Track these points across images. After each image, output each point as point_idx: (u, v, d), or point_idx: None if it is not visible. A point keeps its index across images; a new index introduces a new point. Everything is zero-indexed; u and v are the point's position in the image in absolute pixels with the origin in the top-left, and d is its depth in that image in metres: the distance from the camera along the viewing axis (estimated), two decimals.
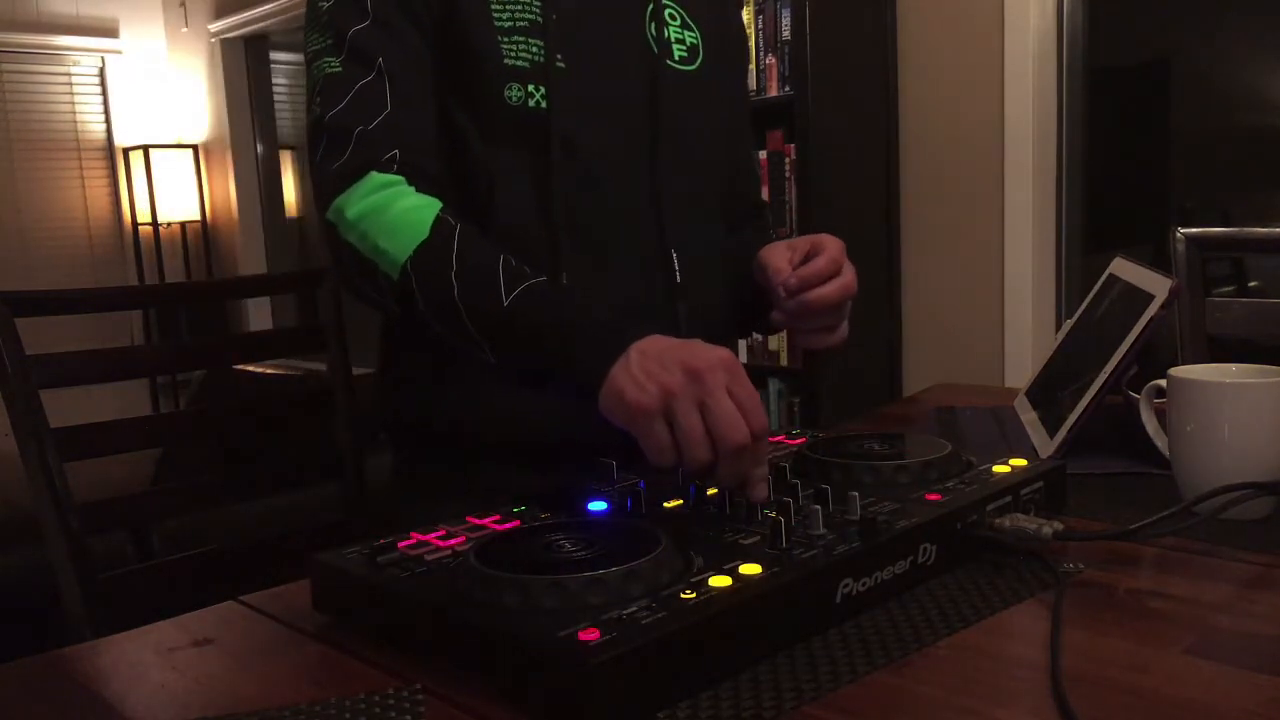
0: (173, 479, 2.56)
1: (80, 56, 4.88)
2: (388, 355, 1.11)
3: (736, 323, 1.18)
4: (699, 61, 1.11)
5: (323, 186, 0.96)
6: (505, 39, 0.99)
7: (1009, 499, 0.79)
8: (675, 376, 0.76)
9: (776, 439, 1.00)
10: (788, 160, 2.86)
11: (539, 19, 1.00)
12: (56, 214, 4.85)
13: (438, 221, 0.91)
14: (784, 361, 2.95)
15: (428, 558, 0.70)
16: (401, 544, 0.73)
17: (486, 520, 0.78)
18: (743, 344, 3.03)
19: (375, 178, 0.93)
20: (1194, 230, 1.38)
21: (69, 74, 4.87)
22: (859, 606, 0.67)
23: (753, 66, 2.90)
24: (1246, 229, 1.49)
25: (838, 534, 0.69)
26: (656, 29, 1.07)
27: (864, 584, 0.67)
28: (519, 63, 0.99)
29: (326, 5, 1.00)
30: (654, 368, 0.78)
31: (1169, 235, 1.39)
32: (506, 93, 0.98)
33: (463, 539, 0.73)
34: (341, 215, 0.93)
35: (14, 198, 4.71)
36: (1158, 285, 0.96)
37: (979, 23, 2.71)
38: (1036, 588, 0.71)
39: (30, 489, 1.11)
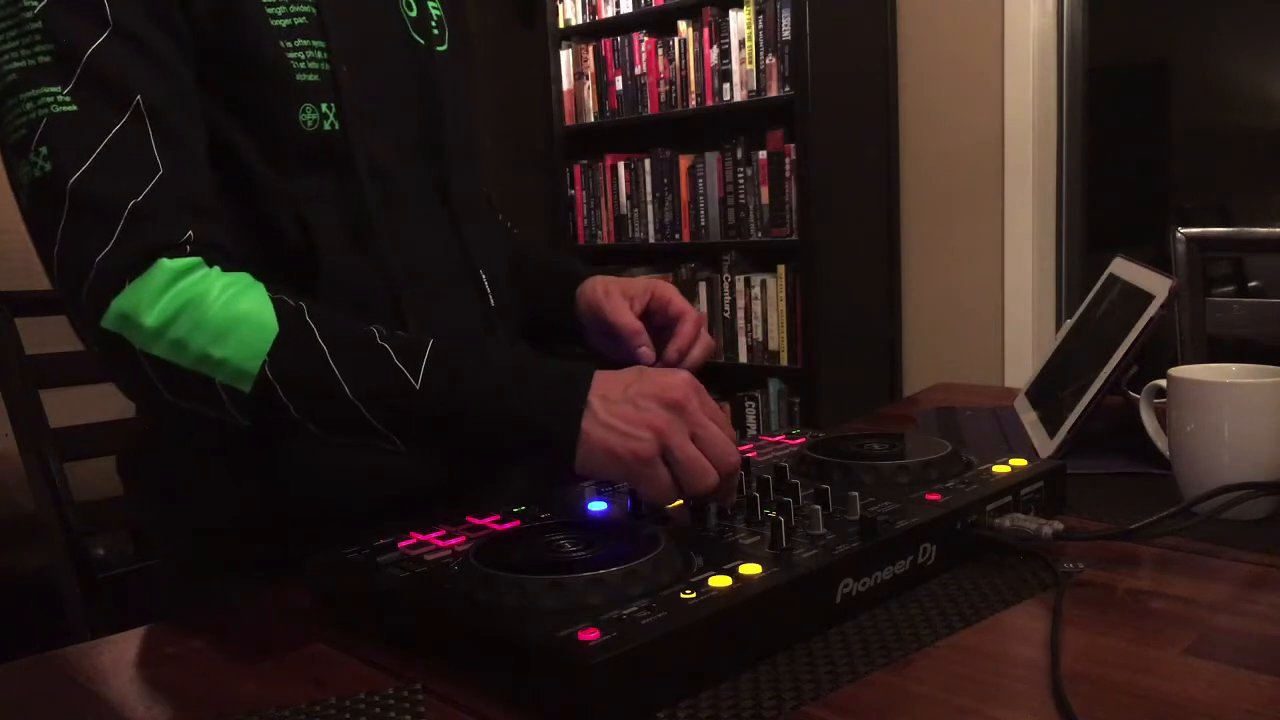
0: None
1: None
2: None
3: (532, 336, 1.06)
4: (449, 37, 0.97)
5: (88, 284, 0.72)
6: (289, 44, 0.81)
7: (1009, 499, 0.79)
8: (659, 415, 0.71)
9: (776, 439, 1.00)
10: (788, 160, 2.86)
11: (314, 9, 0.83)
12: None
13: (279, 307, 0.73)
14: (784, 361, 2.95)
15: (428, 558, 0.70)
16: (401, 544, 0.73)
17: (486, 520, 0.78)
18: (742, 343, 3.03)
19: (166, 266, 0.72)
20: (1194, 230, 1.38)
21: None
22: (859, 606, 0.67)
23: (752, 67, 2.90)
24: (1246, 229, 1.49)
25: (838, 534, 0.69)
26: (413, 6, 0.93)
27: (864, 584, 0.67)
28: (310, 76, 0.82)
29: (36, 5, 0.73)
30: (630, 412, 0.71)
31: (1169, 235, 1.39)
32: (301, 117, 0.82)
33: (463, 539, 0.73)
34: (134, 323, 0.72)
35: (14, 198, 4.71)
36: (1158, 285, 0.96)
37: (979, 23, 2.71)
38: (1036, 588, 0.71)
39: (30, 489, 1.11)
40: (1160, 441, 0.94)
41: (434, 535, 0.74)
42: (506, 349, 0.89)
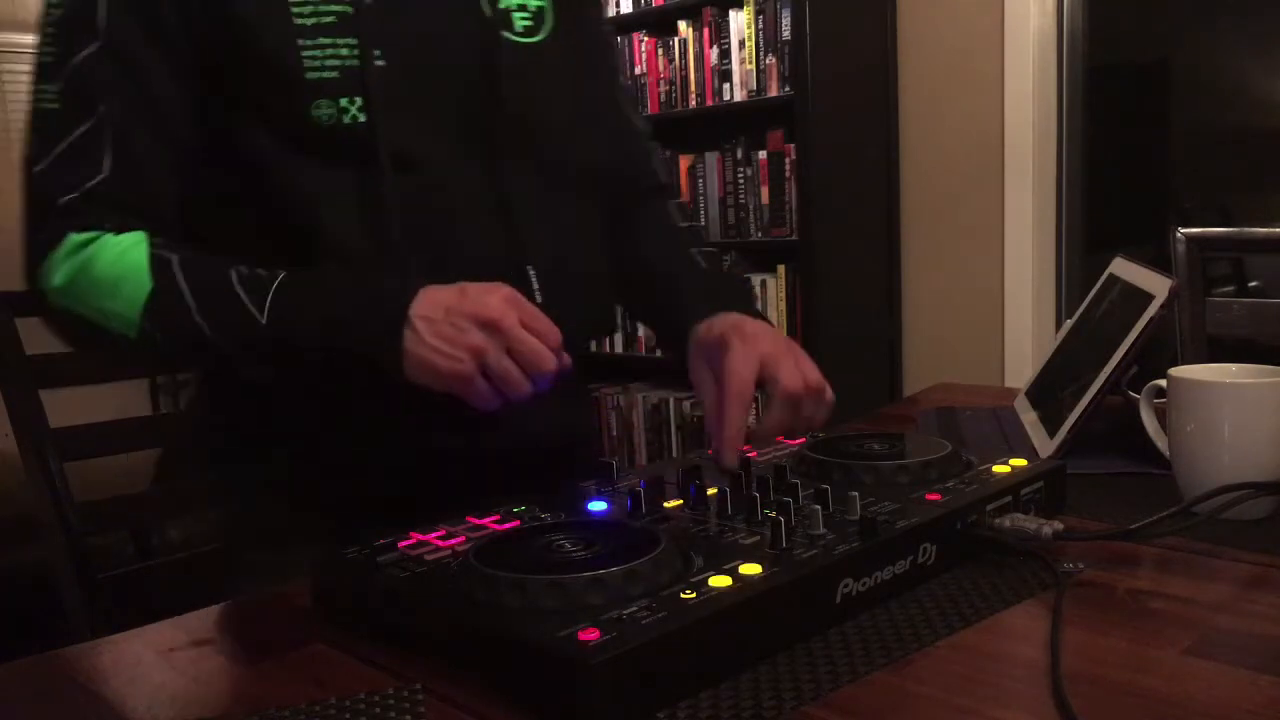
0: (173, 479, 2.56)
1: None
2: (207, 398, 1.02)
3: (594, 329, 1.08)
4: (547, 28, 0.97)
5: (25, 246, 0.87)
6: (308, 43, 0.84)
7: (1009, 499, 0.79)
8: (475, 335, 0.79)
9: (776, 439, 1.00)
10: (788, 160, 2.86)
11: (349, 8, 0.86)
12: None
13: (154, 261, 0.83)
14: None
15: (428, 558, 0.70)
16: (401, 544, 0.73)
17: (486, 520, 0.77)
18: None
19: (72, 238, 0.84)
20: (1194, 230, 1.38)
21: None
22: (859, 606, 0.67)
23: (752, 67, 2.90)
24: (1246, 229, 1.49)
25: (838, 534, 0.69)
26: None
27: (864, 584, 0.67)
28: (326, 74, 0.85)
29: (56, 14, 0.85)
30: (450, 332, 0.79)
31: (1169, 235, 1.39)
32: (314, 113, 0.85)
33: (463, 539, 0.73)
34: (46, 284, 0.85)
35: (14, 197, 4.71)
36: (1158, 285, 0.96)
37: (979, 23, 2.71)
38: (1036, 588, 0.71)
39: (30, 489, 1.11)
40: (1160, 441, 0.94)
41: (434, 535, 0.74)
42: (347, 274, 0.86)
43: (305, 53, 0.85)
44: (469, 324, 0.79)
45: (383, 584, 0.67)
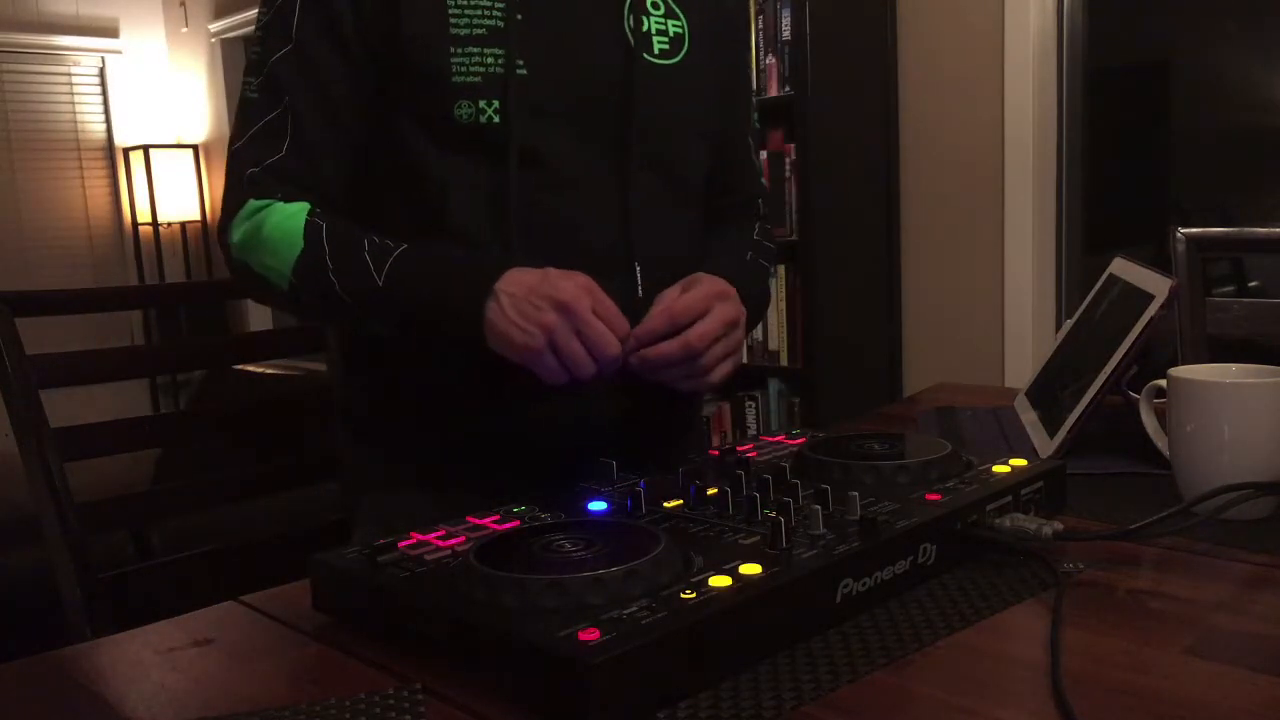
0: (173, 479, 2.56)
1: (80, 56, 4.87)
2: (349, 357, 1.15)
3: None
4: (683, 52, 1.07)
5: (221, 210, 1.03)
6: (458, 51, 0.96)
7: (1009, 499, 0.79)
8: (550, 315, 0.88)
9: (776, 439, 1.00)
10: (788, 160, 2.86)
11: (500, 23, 0.97)
12: (56, 214, 4.84)
13: (307, 226, 0.97)
14: (784, 362, 2.95)
15: (428, 558, 0.70)
16: (401, 544, 0.73)
17: (486, 520, 0.78)
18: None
19: (251, 204, 0.99)
20: (1194, 230, 1.38)
21: (69, 74, 4.87)
22: (859, 606, 0.67)
23: (752, 67, 2.90)
24: (1246, 229, 1.49)
25: (838, 534, 0.69)
26: (635, 21, 1.03)
27: (864, 584, 0.67)
28: (470, 78, 0.96)
29: (265, 19, 1.01)
30: (528, 309, 0.88)
31: (1169, 235, 1.39)
32: (456, 111, 0.96)
33: (463, 539, 0.73)
34: (228, 241, 1.01)
35: (14, 198, 4.71)
36: (1158, 285, 0.96)
37: (979, 23, 2.71)
38: (1036, 588, 0.71)
39: (30, 489, 1.11)
40: (1160, 441, 0.94)
41: (434, 535, 0.74)
42: (455, 251, 0.98)
43: (455, 59, 0.96)
44: (545, 304, 0.88)
45: (383, 584, 0.67)
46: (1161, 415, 0.91)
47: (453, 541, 0.73)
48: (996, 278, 2.76)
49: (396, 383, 1.07)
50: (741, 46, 1.23)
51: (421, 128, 0.99)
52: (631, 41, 1.02)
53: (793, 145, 2.82)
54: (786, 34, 2.80)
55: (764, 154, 2.93)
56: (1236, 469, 0.82)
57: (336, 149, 1.02)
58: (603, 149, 1.02)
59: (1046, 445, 1.03)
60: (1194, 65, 2.79)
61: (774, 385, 3.03)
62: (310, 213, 0.98)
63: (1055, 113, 2.71)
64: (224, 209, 1.03)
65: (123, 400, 3.65)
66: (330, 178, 1.02)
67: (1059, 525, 0.75)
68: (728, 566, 0.64)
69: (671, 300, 0.96)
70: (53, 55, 4.81)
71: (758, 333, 2.99)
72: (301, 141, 1.00)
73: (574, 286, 0.89)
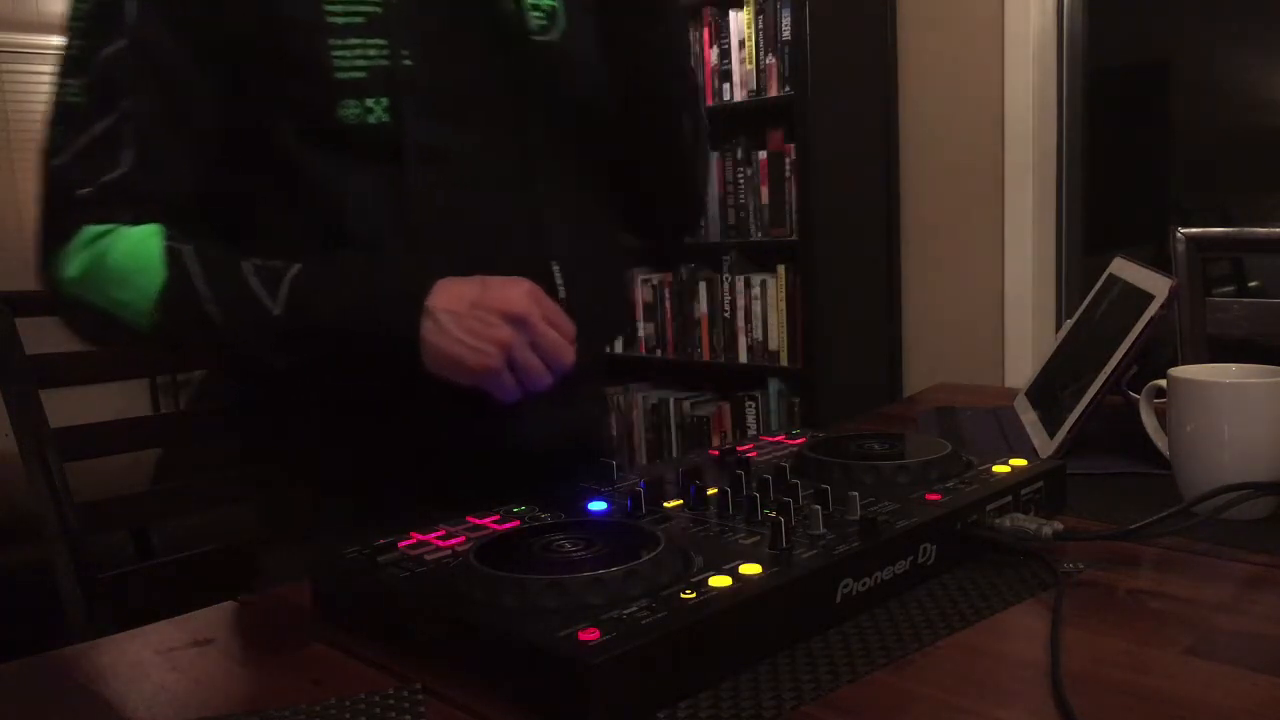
0: (173, 479, 2.56)
1: None
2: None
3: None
4: (561, 28, 0.98)
5: (39, 237, 0.88)
6: (338, 42, 0.86)
7: (1009, 499, 0.79)
8: (503, 329, 0.81)
9: (776, 439, 1.00)
10: (788, 160, 2.86)
11: (379, 8, 0.88)
12: None
13: (167, 252, 0.84)
14: (784, 361, 2.95)
15: (428, 558, 0.70)
16: (401, 544, 0.73)
17: (486, 520, 0.78)
18: (742, 343, 3.03)
19: (87, 230, 0.85)
20: (1194, 230, 1.38)
21: None
22: (859, 606, 0.67)
23: (752, 67, 2.90)
24: (1246, 229, 1.49)
25: (838, 534, 0.69)
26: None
27: (864, 584, 0.67)
28: (354, 74, 0.86)
29: (83, 6, 0.86)
30: (476, 325, 0.81)
31: (1169, 235, 1.39)
32: (341, 111, 0.86)
33: (463, 539, 0.73)
34: (60, 274, 0.86)
35: (14, 198, 4.71)
36: (1158, 285, 0.96)
37: (979, 23, 2.71)
38: (1036, 588, 0.71)
39: (30, 489, 1.11)
40: (1160, 441, 0.94)
41: (434, 535, 0.74)
42: (361, 264, 0.87)
43: (335, 52, 0.86)
44: (495, 317, 0.81)
45: (383, 584, 0.67)
46: (1161, 415, 0.91)
47: (453, 541, 0.73)
48: (996, 278, 2.76)
49: (296, 401, 0.96)
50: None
51: (302, 130, 0.88)
52: (512, 21, 0.95)
53: (793, 145, 2.82)
54: (786, 34, 2.80)
55: (764, 154, 2.93)
56: (1236, 469, 0.82)
57: (191, 160, 0.88)
58: (502, 140, 0.95)
59: (1046, 445, 1.03)
60: (1194, 65, 2.79)
61: (774, 385, 3.03)
62: (166, 235, 0.85)
63: (1055, 113, 2.71)
64: (46, 237, 0.87)
65: (123, 400, 3.65)
66: (184, 194, 0.88)
67: (1059, 525, 0.75)
68: (728, 566, 0.64)
69: None
70: (53, 55, 4.81)
71: (757, 333, 2.99)
72: (147, 153, 0.85)
73: (522, 295, 0.83)
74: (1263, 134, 2.65)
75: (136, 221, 0.85)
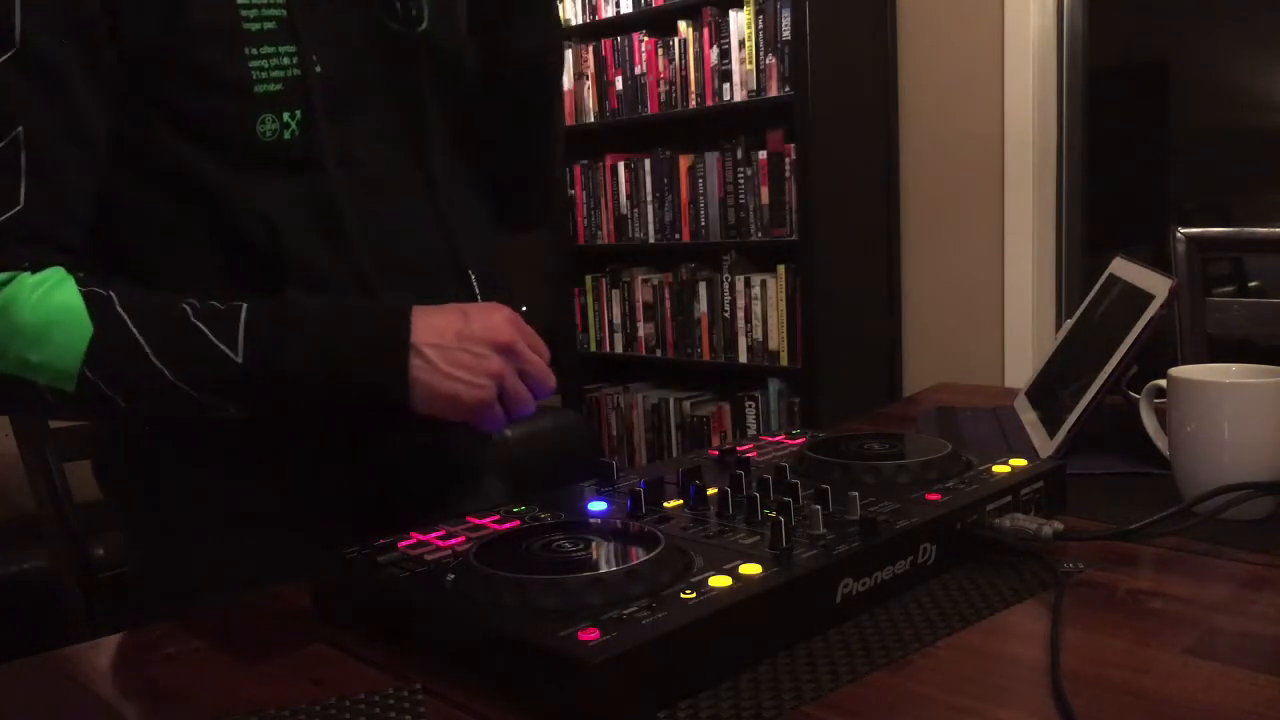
0: None
1: None
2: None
3: None
4: (426, 18, 0.93)
5: None
6: (254, 51, 0.80)
7: (1009, 499, 0.79)
8: (493, 360, 0.79)
9: (776, 439, 1.00)
10: (788, 160, 2.86)
11: (284, 11, 0.81)
12: None
13: (90, 300, 0.74)
14: (784, 361, 2.95)
15: (428, 558, 0.70)
16: (401, 544, 0.73)
17: (486, 520, 0.78)
18: (742, 343, 3.03)
19: None
20: (1194, 230, 1.38)
21: None
22: (859, 606, 0.67)
23: (752, 67, 2.91)
24: (1246, 229, 1.49)
25: (838, 534, 0.69)
26: None
27: (864, 584, 0.67)
28: (271, 86, 0.80)
29: None
30: (467, 359, 0.78)
31: (1169, 235, 1.39)
32: (259, 128, 0.80)
33: (463, 539, 0.73)
34: None
35: None
36: (1158, 285, 0.96)
37: (979, 23, 2.71)
38: (1036, 588, 0.71)
39: (30, 489, 1.11)
40: (1160, 441, 0.94)
41: (434, 535, 0.74)
42: (318, 303, 0.81)
43: (253, 63, 0.80)
44: (485, 349, 0.79)
45: (383, 584, 0.67)
46: (1161, 415, 0.91)
47: (453, 541, 0.73)
48: (996, 278, 2.77)
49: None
50: None
51: (213, 149, 0.80)
52: (388, 15, 0.90)
53: (792, 145, 2.83)
54: (786, 34, 2.80)
55: (764, 154, 2.93)
56: (1236, 469, 0.82)
57: (90, 187, 0.79)
58: (402, 143, 0.91)
59: (1046, 445, 1.03)
60: (1194, 65, 2.79)
61: (774, 385, 3.03)
62: (78, 280, 0.75)
63: (1055, 112, 2.71)
64: None
65: None
66: (86, 230, 0.79)
67: (1059, 525, 0.75)
68: (728, 566, 0.64)
69: None
70: None
71: (757, 333, 2.99)
72: (46, 183, 0.75)
73: (505, 322, 0.80)
74: (1263, 134, 2.65)
75: (37, 265, 0.74)
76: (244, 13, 0.80)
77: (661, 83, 3.17)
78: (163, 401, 0.76)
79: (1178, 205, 2.92)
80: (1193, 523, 0.79)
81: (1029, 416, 1.17)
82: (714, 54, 3.00)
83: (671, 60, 3.13)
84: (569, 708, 0.54)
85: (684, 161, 3.15)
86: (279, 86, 0.81)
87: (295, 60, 0.82)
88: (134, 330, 0.74)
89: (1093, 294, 1.18)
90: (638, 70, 3.22)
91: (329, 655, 0.67)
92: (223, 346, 0.75)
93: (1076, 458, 0.98)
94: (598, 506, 0.80)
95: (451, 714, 0.58)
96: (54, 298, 0.73)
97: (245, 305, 0.77)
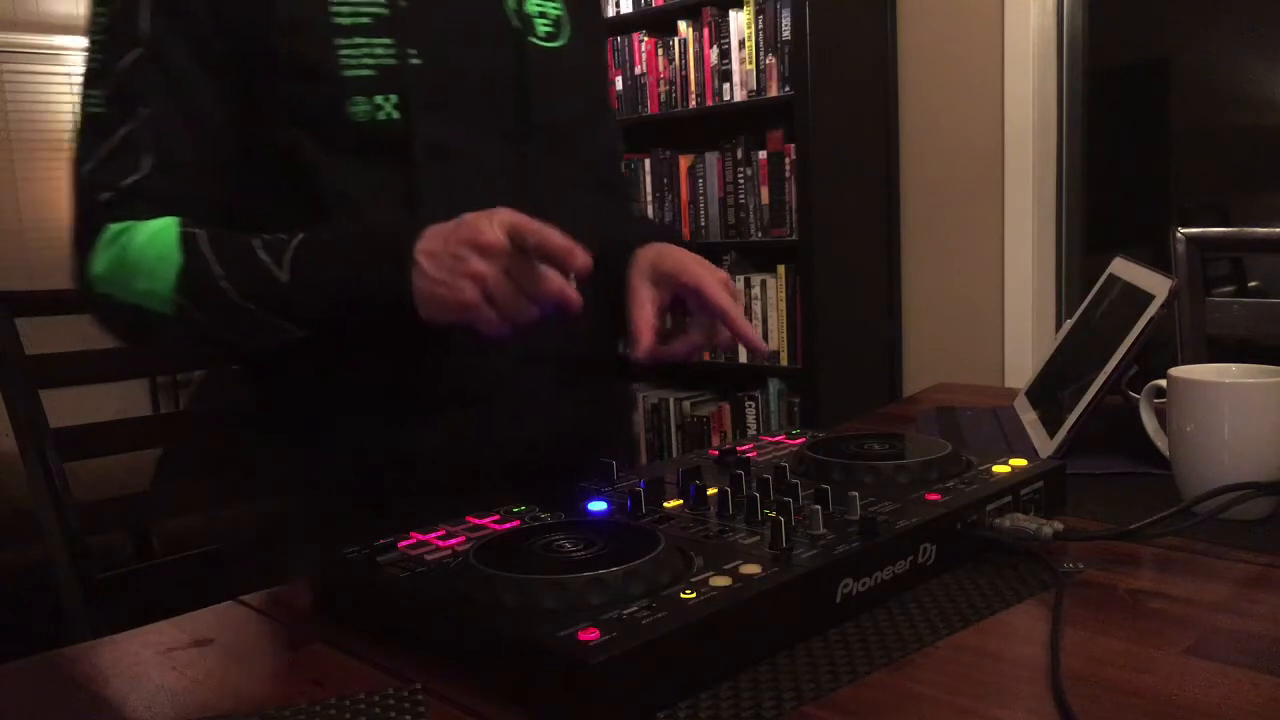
0: (173, 479, 2.56)
1: (80, 56, 4.87)
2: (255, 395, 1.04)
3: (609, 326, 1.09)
4: (565, 36, 1.03)
5: (71, 244, 0.91)
6: (344, 42, 0.89)
7: (1009, 499, 0.79)
8: (475, 262, 0.80)
9: (776, 439, 1.00)
10: (788, 160, 2.86)
11: (385, 10, 0.90)
12: (57, 214, 4.83)
13: (182, 238, 0.87)
14: (784, 361, 2.95)
15: (428, 558, 0.70)
16: (401, 544, 0.73)
17: (486, 520, 0.78)
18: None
19: (110, 229, 0.89)
20: (1194, 230, 1.38)
21: (69, 74, 4.87)
22: (859, 606, 0.67)
23: (752, 67, 2.91)
24: (1246, 229, 1.49)
25: (838, 534, 0.69)
26: (517, 3, 0.99)
27: (864, 584, 0.67)
28: (361, 72, 0.89)
29: (103, 20, 0.90)
30: (450, 262, 0.81)
31: (1169, 235, 1.39)
32: (350, 109, 0.89)
33: (463, 539, 0.73)
34: (88, 274, 0.89)
35: (14, 198, 4.71)
36: (1158, 285, 0.96)
37: (979, 23, 2.71)
38: (1036, 588, 0.71)
39: (30, 489, 1.11)
40: (1160, 441, 0.94)
41: (434, 535, 0.74)
42: (357, 226, 0.89)
43: (342, 52, 0.88)
44: (467, 251, 0.80)
45: (383, 584, 0.67)
46: (1161, 415, 0.91)
47: (453, 541, 0.73)
48: (996, 278, 2.77)
49: (299, 402, 0.98)
50: (603, 30, 1.21)
51: (309, 132, 0.90)
52: (518, 25, 0.98)
53: (792, 145, 2.83)
54: (786, 34, 2.80)
55: (764, 154, 2.93)
56: (1236, 469, 0.82)
57: (205, 164, 0.92)
58: (504, 139, 0.98)
59: (1046, 445, 1.03)
60: (1194, 65, 2.79)
61: (774, 385, 3.03)
62: (181, 224, 0.88)
63: (1055, 112, 2.71)
64: (77, 242, 0.90)
65: (123, 400, 3.65)
66: (201, 196, 0.92)
67: (1059, 525, 0.75)
68: (728, 566, 0.64)
69: (709, 287, 0.94)
70: (53, 55, 4.81)
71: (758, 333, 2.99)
72: (165, 157, 0.89)
73: (491, 223, 0.81)
74: (1263, 134, 2.65)
75: (152, 218, 0.88)
76: (334, 8, 0.89)
77: (661, 83, 3.17)
78: (235, 321, 0.87)
79: (1178, 205, 2.92)
80: (1193, 523, 0.79)
81: (1029, 416, 1.17)
82: (714, 54, 3.00)
83: (671, 60, 3.14)
84: (569, 708, 0.54)
85: (684, 161, 3.15)
86: (371, 72, 0.89)
87: (391, 52, 0.90)
88: (211, 259, 0.86)
89: (1093, 294, 1.18)
90: (638, 70, 3.22)
91: (329, 655, 0.67)
92: (274, 268, 0.85)
93: (1076, 458, 0.98)
94: (598, 506, 0.80)
95: (451, 714, 0.58)
96: (160, 237, 0.87)
97: (300, 235, 0.87)
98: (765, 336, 2.98)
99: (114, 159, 0.89)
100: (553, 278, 0.81)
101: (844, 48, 2.79)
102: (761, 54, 2.88)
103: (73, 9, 4.85)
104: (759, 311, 2.99)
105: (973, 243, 2.80)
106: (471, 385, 0.96)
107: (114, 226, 0.88)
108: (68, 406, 1.27)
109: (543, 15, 1.01)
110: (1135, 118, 2.88)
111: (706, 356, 3.13)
